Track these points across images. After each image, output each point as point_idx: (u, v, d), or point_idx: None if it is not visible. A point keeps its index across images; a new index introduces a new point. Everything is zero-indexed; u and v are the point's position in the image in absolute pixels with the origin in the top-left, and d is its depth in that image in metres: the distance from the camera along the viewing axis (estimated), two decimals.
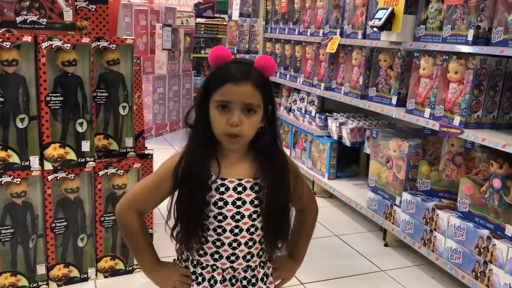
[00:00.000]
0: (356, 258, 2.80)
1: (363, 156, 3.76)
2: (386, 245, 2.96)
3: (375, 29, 2.89)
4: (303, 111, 4.03)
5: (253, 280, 1.33)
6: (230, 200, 1.25)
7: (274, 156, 1.29)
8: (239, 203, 1.26)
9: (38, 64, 2.07)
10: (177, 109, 5.94)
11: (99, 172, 2.28)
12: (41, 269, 2.25)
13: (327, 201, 3.69)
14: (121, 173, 2.33)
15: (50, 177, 2.18)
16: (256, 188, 1.27)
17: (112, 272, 2.42)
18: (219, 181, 1.25)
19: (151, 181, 1.31)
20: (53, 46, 2.07)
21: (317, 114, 3.81)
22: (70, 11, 2.22)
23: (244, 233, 1.27)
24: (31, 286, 2.24)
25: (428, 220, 2.56)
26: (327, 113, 3.77)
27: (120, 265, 2.43)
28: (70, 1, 2.21)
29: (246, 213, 1.26)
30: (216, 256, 1.29)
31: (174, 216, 1.28)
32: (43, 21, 2.19)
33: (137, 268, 2.46)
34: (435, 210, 2.52)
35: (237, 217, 1.26)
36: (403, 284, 2.52)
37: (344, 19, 3.41)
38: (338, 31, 3.46)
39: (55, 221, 2.23)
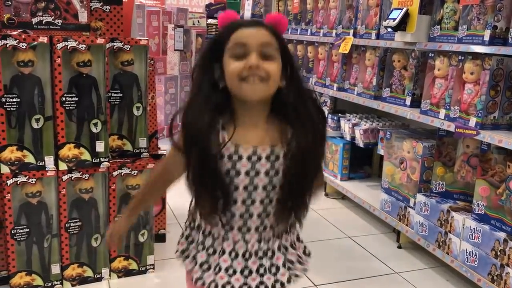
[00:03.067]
0: (369, 260, 2.79)
1: (376, 157, 3.74)
2: (399, 247, 2.93)
3: (389, 29, 2.87)
4: None
5: (270, 254, 1.25)
6: (243, 170, 1.17)
7: (302, 119, 1.16)
8: (252, 173, 1.17)
9: (53, 64, 2.08)
10: None
11: (113, 173, 2.29)
12: (55, 269, 2.26)
13: (340, 202, 3.67)
14: (135, 174, 2.34)
15: (64, 177, 2.19)
16: (272, 158, 1.17)
17: (126, 272, 2.43)
18: (232, 148, 1.16)
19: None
20: (68, 47, 2.09)
21: (329, 115, 3.79)
22: (85, 12, 2.23)
23: (257, 204, 1.19)
24: (45, 285, 2.26)
25: (443, 222, 2.54)
26: (339, 114, 3.76)
27: (134, 265, 2.44)
28: (85, 2, 2.22)
29: (260, 184, 1.18)
30: (227, 227, 1.21)
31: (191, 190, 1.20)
32: (58, 22, 2.20)
33: (151, 268, 2.47)
34: (450, 212, 2.50)
35: (250, 188, 1.18)
36: (417, 286, 2.50)
37: (358, 20, 3.39)
38: (351, 31, 3.44)
39: (69, 221, 2.25)
